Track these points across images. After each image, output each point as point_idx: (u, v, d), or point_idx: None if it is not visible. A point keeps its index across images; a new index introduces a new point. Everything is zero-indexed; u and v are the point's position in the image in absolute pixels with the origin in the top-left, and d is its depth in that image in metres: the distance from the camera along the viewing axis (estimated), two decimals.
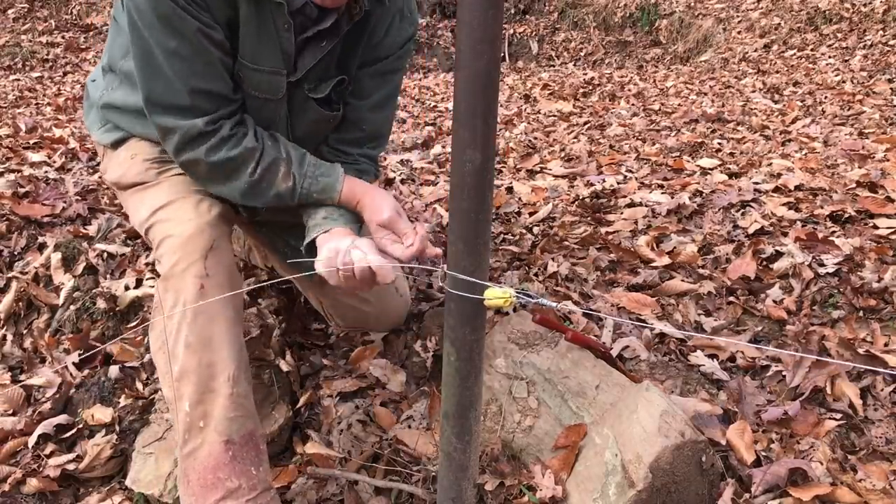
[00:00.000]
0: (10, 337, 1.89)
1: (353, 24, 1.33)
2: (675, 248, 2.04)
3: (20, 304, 1.93)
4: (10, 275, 1.99)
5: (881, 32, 5.87)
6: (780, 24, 6.75)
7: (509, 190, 2.63)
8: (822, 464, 1.32)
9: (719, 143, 3.44)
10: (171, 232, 1.31)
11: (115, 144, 1.46)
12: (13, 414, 1.64)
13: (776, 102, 4.46)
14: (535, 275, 1.96)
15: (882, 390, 1.48)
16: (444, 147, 3.58)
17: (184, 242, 1.28)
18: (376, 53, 1.42)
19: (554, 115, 4.61)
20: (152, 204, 1.37)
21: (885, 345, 1.57)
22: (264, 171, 1.31)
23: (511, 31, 8.37)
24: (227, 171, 1.30)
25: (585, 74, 6.44)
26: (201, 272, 1.27)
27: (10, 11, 8.04)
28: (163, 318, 1.28)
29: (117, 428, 1.56)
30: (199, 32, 1.19)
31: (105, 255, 2.02)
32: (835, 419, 1.43)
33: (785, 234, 2.03)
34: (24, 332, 1.90)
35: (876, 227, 2.05)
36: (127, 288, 1.87)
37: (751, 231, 2.08)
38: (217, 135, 1.26)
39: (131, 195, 1.44)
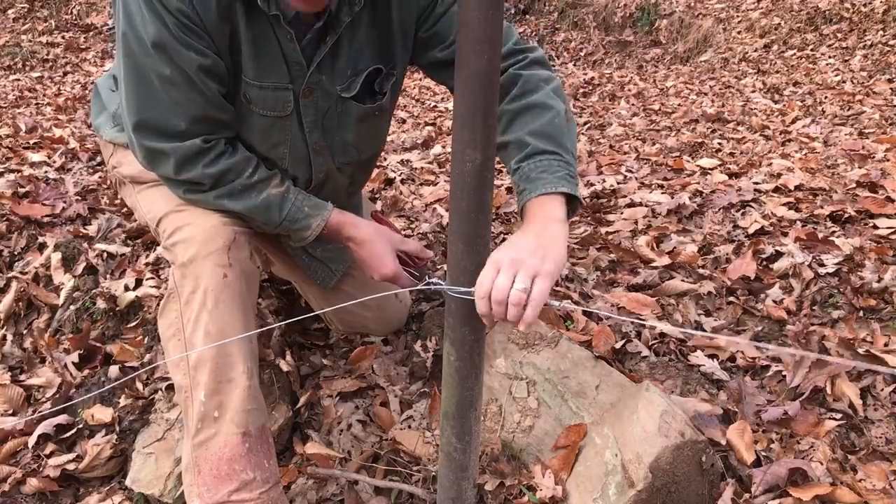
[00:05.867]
0: (10, 337, 1.89)
1: (367, 11, 1.27)
2: (675, 248, 2.04)
3: (20, 304, 1.93)
4: (10, 275, 1.99)
5: (881, 32, 5.88)
6: (780, 24, 6.75)
7: (509, 190, 2.63)
8: (822, 464, 1.32)
9: (719, 143, 3.44)
10: (192, 221, 1.29)
11: None
12: (13, 414, 1.64)
13: (776, 102, 4.46)
14: None
15: (882, 390, 1.48)
16: (444, 147, 3.58)
17: (206, 232, 1.27)
18: (420, 5, 1.33)
19: None
20: (173, 198, 1.35)
21: (885, 345, 1.57)
22: (261, 176, 1.30)
23: None
24: (225, 178, 1.28)
25: (585, 74, 6.45)
26: (224, 261, 1.25)
27: (10, 11, 8.04)
28: (179, 305, 1.27)
29: (117, 428, 1.56)
30: (200, 69, 1.18)
31: (105, 255, 2.02)
32: (835, 419, 1.43)
33: (785, 234, 2.03)
34: (24, 332, 1.90)
35: (876, 227, 2.05)
36: (127, 288, 1.87)
37: (751, 231, 2.08)
38: (214, 150, 1.25)
39: (148, 188, 1.43)
